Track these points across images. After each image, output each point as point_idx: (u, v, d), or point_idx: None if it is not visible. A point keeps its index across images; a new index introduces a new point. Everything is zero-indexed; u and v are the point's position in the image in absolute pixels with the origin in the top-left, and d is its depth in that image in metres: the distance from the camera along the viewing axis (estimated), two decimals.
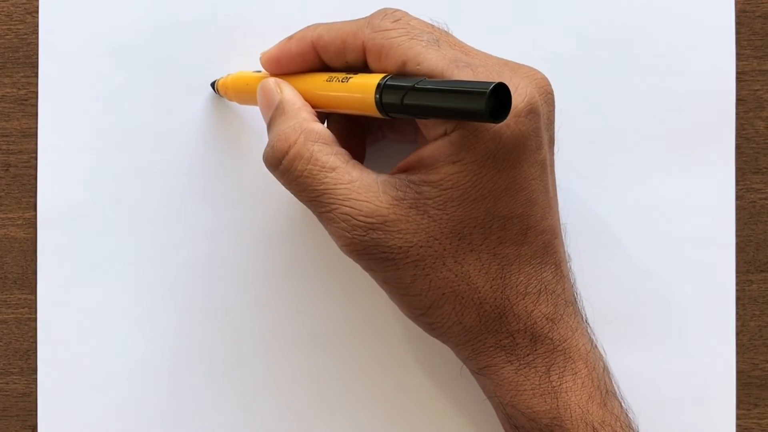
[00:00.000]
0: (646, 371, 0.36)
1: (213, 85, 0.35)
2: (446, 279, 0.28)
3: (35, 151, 0.36)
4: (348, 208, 0.28)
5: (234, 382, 0.35)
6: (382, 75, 0.28)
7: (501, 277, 0.28)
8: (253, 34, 0.36)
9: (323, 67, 0.31)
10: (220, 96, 0.35)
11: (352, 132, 0.32)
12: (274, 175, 0.30)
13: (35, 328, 0.36)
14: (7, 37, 0.36)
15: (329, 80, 0.30)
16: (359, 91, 0.28)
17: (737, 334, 0.36)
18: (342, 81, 0.29)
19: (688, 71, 0.36)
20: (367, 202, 0.28)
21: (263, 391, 0.35)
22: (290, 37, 0.31)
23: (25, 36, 0.36)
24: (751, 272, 0.36)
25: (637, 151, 0.36)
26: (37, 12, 0.36)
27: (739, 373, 0.36)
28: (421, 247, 0.28)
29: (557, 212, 0.30)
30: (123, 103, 0.36)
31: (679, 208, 0.36)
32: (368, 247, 0.28)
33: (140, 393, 0.35)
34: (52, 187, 0.36)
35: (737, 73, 0.36)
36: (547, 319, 0.29)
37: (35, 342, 0.36)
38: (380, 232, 0.28)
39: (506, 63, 0.29)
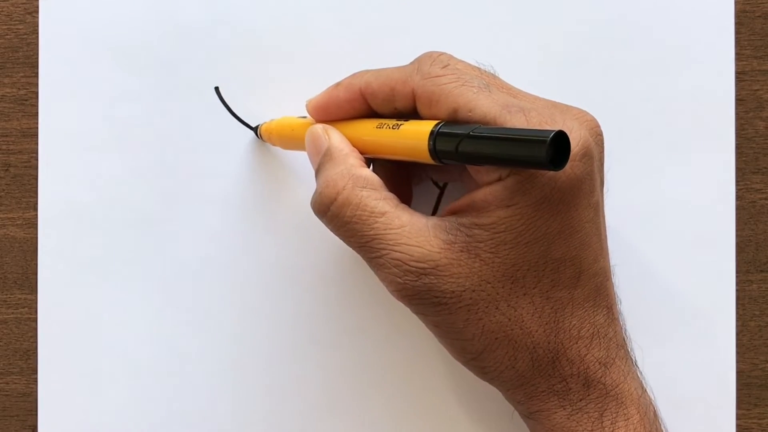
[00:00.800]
0: (646, 371, 0.35)
1: (255, 130, 0.35)
2: (499, 323, 0.28)
3: (35, 151, 0.36)
4: (399, 254, 0.28)
5: (235, 382, 0.35)
6: (435, 122, 0.28)
7: (554, 321, 0.28)
8: (253, 35, 0.36)
9: (371, 113, 0.31)
10: (263, 141, 0.35)
11: (398, 175, 0.32)
12: (322, 221, 0.30)
13: (35, 328, 0.36)
14: (7, 37, 0.36)
15: (379, 127, 0.29)
16: (411, 138, 0.28)
17: (737, 334, 0.36)
18: (392, 128, 0.29)
19: (688, 71, 0.36)
20: (418, 246, 0.27)
21: (264, 393, 0.35)
22: (337, 84, 0.31)
23: (25, 36, 0.36)
24: (751, 272, 0.36)
25: (637, 151, 0.36)
26: (37, 12, 0.36)
27: (739, 373, 0.36)
28: (473, 291, 0.27)
29: (608, 254, 0.30)
30: (123, 103, 0.36)
31: (679, 208, 0.36)
32: (420, 292, 0.28)
33: (140, 393, 0.35)
34: (52, 187, 0.36)
35: (737, 73, 0.36)
36: (599, 363, 0.28)
37: (35, 342, 0.36)
38: (432, 277, 0.27)
39: (555, 105, 0.29)
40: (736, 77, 0.36)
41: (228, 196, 0.36)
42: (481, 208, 0.27)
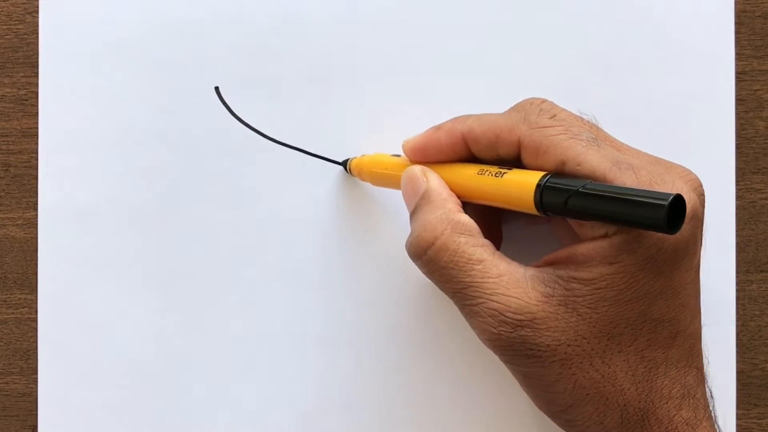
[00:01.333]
0: None
1: (345, 164, 0.35)
2: (592, 379, 0.28)
3: (35, 151, 0.36)
4: (495, 303, 0.27)
5: (234, 382, 0.36)
6: (541, 174, 0.27)
7: (647, 380, 0.28)
8: (253, 34, 0.36)
9: (470, 157, 0.30)
10: (352, 176, 0.35)
11: (490, 217, 0.32)
12: (417, 263, 0.29)
13: (35, 328, 0.36)
14: (7, 37, 0.36)
15: (480, 173, 0.29)
16: (516, 188, 0.28)
17: (737, 334, 0.36)
18: (495, 176, 0.29)
19: (688, 71, 0.36)
20: (516, 298, 0.27)
21: (263, 392, 0.36)
22: (438, 128, 0.31)
23: (25, 36, 0.36)
24: (751, 272, 0.36)
25: None
26: (37, 12, 0.36)
27: (739, 373, 0.36)
28: (569, 345, 0.27)
29: (701, 314, 0.30)
30: (123, 102, 0.36)
31: None
32: (515, 344, 0.27)
33: (140, 393, 0.35)
34: (52, 187, 0.36)
35: (737, 73, 0.36)
36: (687, 424, 0.28)
37: (35, 342, 0.36)
38: (528, 330, 0.27)
39: (659, 161, 0.29)
40: (736, 77, 0.36)
41: (227, 195, 0.36)
42: (582, 262, 0.27)
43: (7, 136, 0.36)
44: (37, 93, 0.36)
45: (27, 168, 0.36)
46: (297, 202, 0.36)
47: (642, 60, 0.36)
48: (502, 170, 0.29)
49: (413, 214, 0.30)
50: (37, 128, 0.36)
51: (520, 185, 0.28)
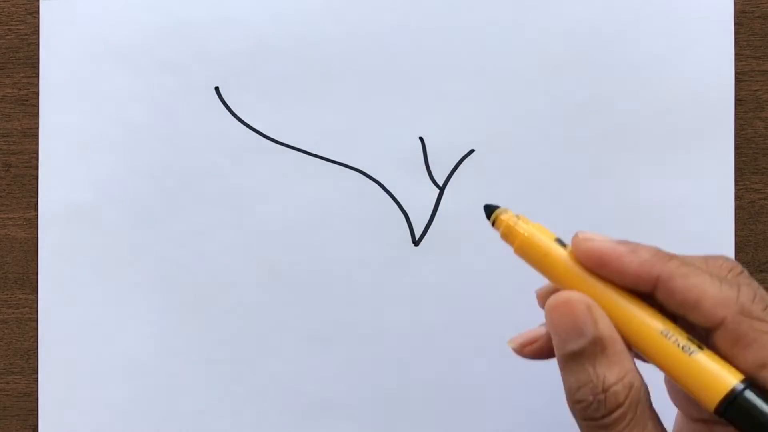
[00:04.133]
0: (646, 371, 0.36)
1: (489, 211, 0.27)
2: None
3: (36, 152, 0.36)
4: None
5: (233, 382, 0.36)
6: (736, 379, 0.23)
7: None
8: (253, 34, 0.36)
9: (647, 294, 0.25)
10: (493, 228, 0.27)
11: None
12: (582, 422, 0.25)
13: (36, 328, 0.36)
14: (8, 37, 0.36)
15: (665, 335, 0.24)
16: (703, 380, 0.24)
17: None
18: (683, 349, 0.24)
19: (688, 71, 0.36)
20: None
21: (262, 391, 0.36)
22: (632, 248, 0.25)
23: (26, 36, 0.36)
24: (751, 272, 0.36)
25: (637, 151, 0.36)
26: (37, 12, 0.36)
27: None
28: None
29: None
30: (123, 103, 0.36)
31: (679, 208, 0.36)
32: None
33: (140, 393, 0.36)
34: (52, 187, 0.36)
35: (736, 73, 0.36)
36: None
37: (36, 342, 0.36)
38: None
39: None
40: (736, 77, 0.36)
41: (227, 195, 0.36)
42: None
43: (7, 136, 0.36)
44: (37, 93, 0.36)
45: (27, 168, 0.36)
46: (296, 202, 0.36)
47: (642, 60, 0.36)
48: (692, 343, 0.24)
49: (576, 359, 0.25)
50: (38, 128, 0.36)
51: (709, 380, 0.24)
